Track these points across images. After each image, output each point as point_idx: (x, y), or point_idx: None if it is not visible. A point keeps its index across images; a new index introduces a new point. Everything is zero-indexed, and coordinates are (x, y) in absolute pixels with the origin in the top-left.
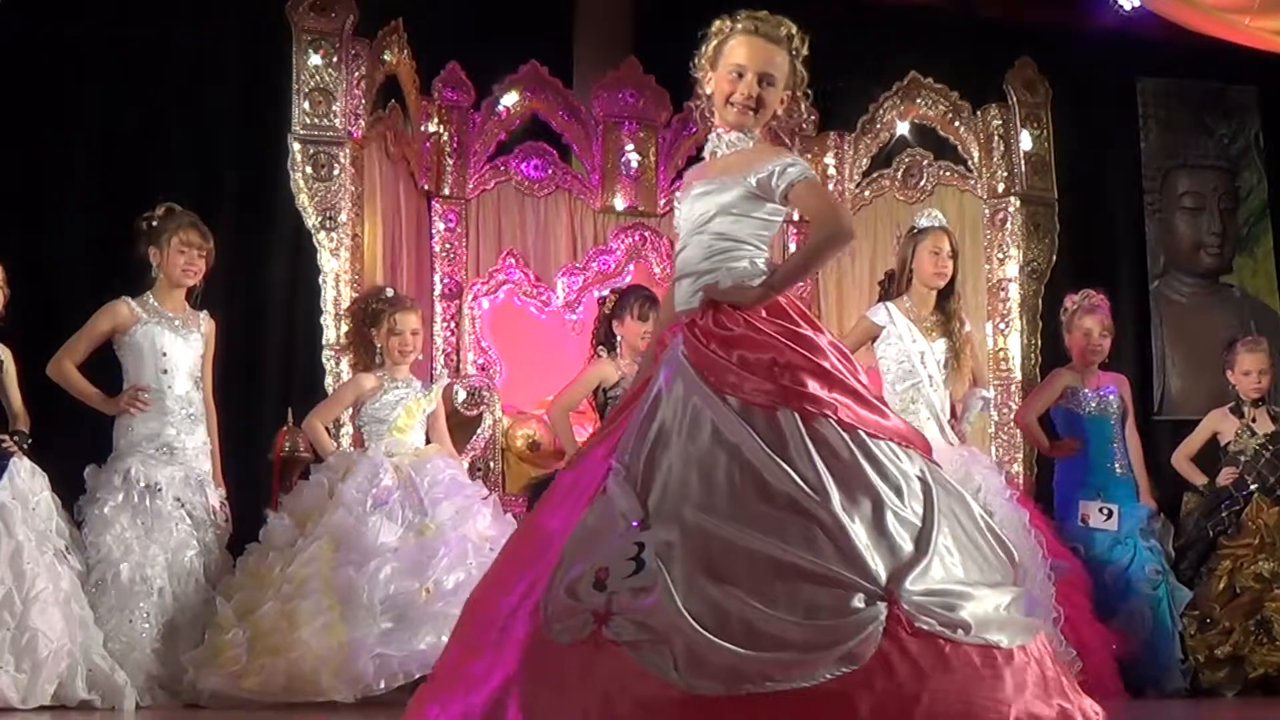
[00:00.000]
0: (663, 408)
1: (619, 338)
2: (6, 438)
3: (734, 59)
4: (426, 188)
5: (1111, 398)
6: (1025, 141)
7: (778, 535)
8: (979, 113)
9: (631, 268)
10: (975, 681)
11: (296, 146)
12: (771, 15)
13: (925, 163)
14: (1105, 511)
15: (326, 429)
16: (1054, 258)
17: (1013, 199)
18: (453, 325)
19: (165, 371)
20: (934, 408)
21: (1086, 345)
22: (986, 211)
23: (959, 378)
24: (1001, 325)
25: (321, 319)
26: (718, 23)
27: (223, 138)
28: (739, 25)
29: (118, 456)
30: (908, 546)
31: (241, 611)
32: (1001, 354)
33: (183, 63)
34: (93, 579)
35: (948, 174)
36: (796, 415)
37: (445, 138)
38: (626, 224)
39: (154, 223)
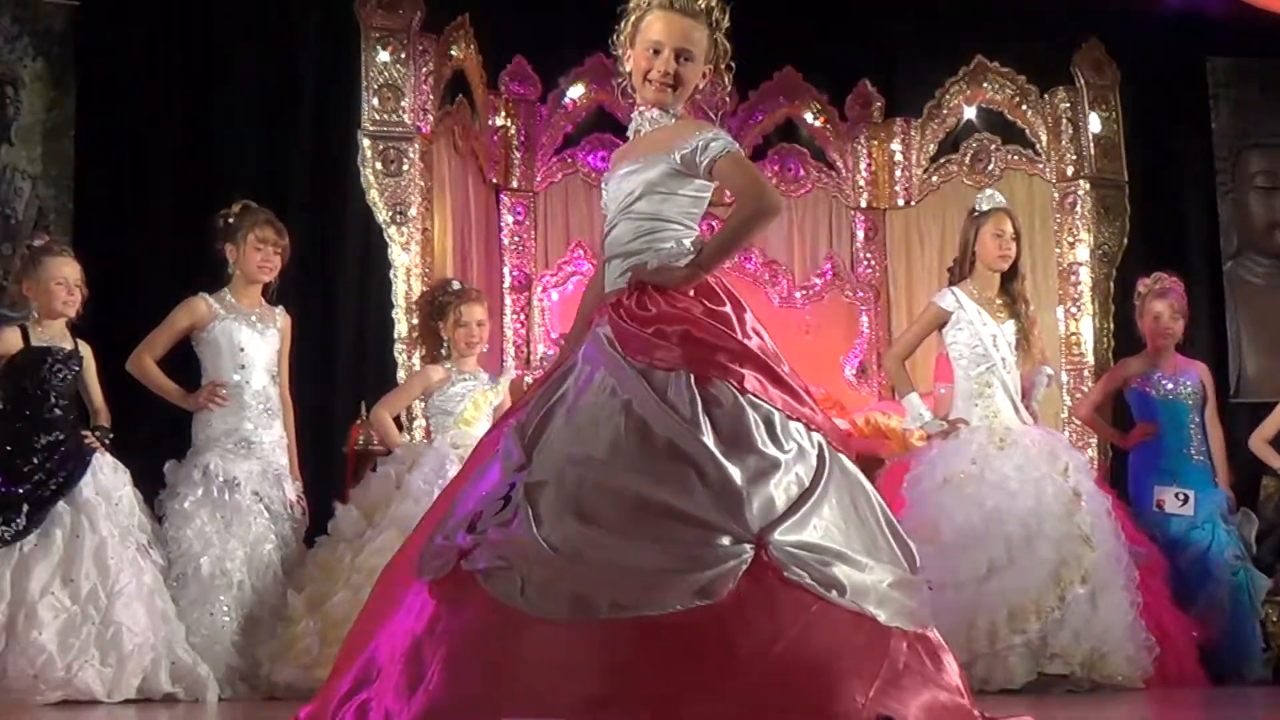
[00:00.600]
0: (569, 378)
1: None
2: (89, 434)
3: (650, 35)
4: (495, 181)
5: (1190, 384)
6: (1094, 124)
7: (650, 477)
8: (1046, 96)
9: None
10: (844, 645)
11: (366, 142)
12: None
13: (993, 147)
14: (1181, 497)
15: (397, 421)
16: (1125, 241)
17: (1082, 182)
18: (522, 317)
19: (243, 367)
20: (1008, 389)
21: (1156, 329)
22: (1056, 195)
23: (1029, 358)
24: (1073, 310)
25: (393, 313)
26: (638, 0)
27: (294, 135)
28: (655, 0)
29: (196, 451)
30: (787, 501)
31: (313, 603)
32: (1074, 339)
33: (255, 62)
34: (174, 573)
35: (1016, 158)
36: (692, 375)
37: (513, 131)
38: None
39: (230, 220)
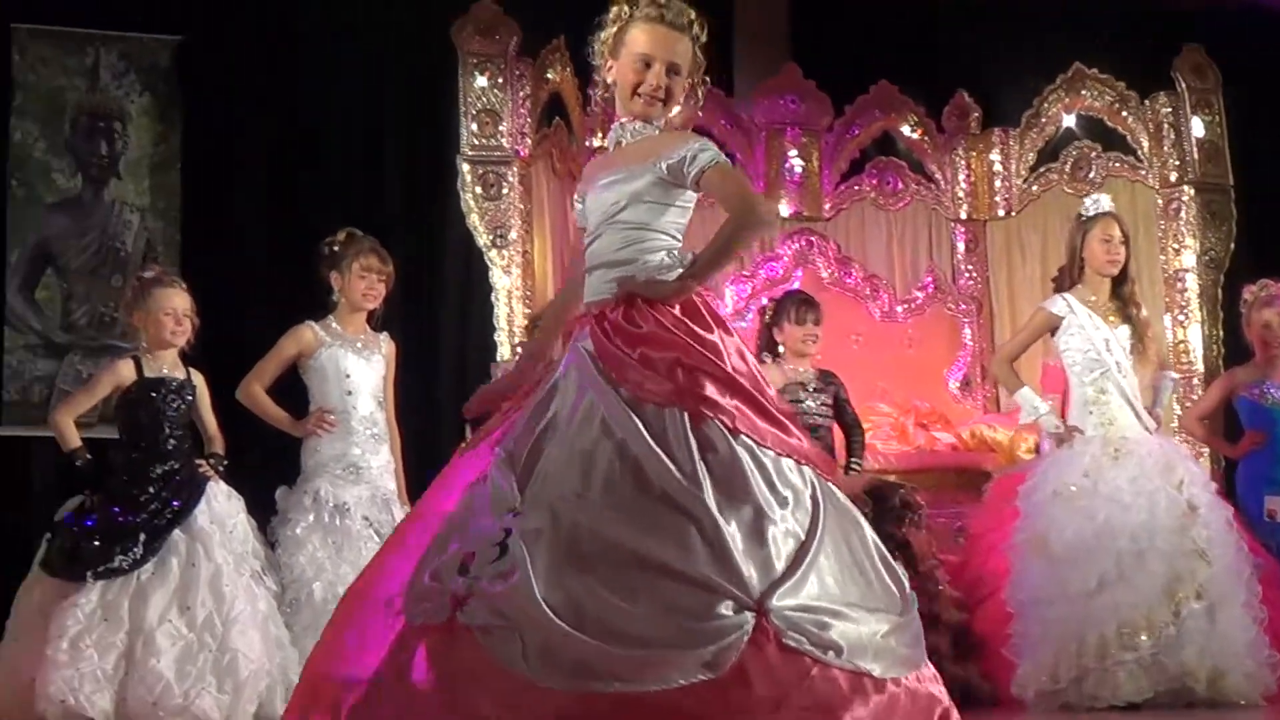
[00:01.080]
0: (557, 398)
1: (780, 343)
2: (203, 462)
3: (639, 47)
4: None
5: None
6: (1197, 128)
7: (649, 530)
8: (1147, 101)
9: (799, 273)
10: (838, 707)
11: (465, 167)
12: (674, 1)
13: (1093, 155)
14: None
15: None
16: (1233, 246)
17: (1186, 187)
18: None
19: (349, 393)
20: (1125, 394)
21: (1266, 337)
22: (1159, 201)
23: (1145, 362)
24: (1181, 317)
25: (495, 336)
26: (615, 8)
27: (394, 161)
28: (642, 11)
29: (306, 478)
30: (784, 558)
31: None
32: (1182, 346)
33: (353, 90)
34: (287, 599)
35: (1117, 165)
36: (686, 415)
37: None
38: (792, 229)
39: (335, 248)
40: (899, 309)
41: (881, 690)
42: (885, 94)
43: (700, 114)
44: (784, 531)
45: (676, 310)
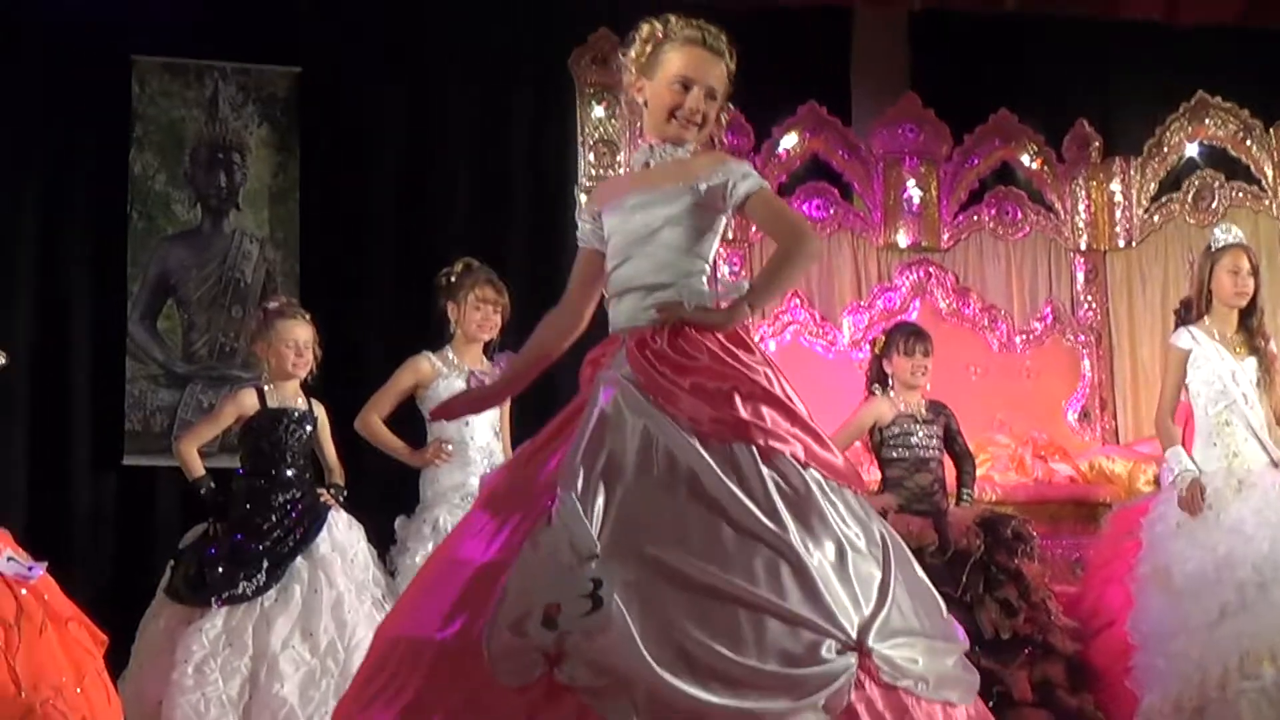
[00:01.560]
0: (610, 433)
1: (890, 375)
2: (324, 491)
3: (679, 70)
4: None
5: None
6: None
7: (743, 573)
8: (1272, 130)
9: (917, 303)
10: None
11: (583, 198)
12: (709, 24)
13: (1216, 184)
14: None
15: None
16: None
17: None
18: None
19: (467, 424)
20: (1252, 427)
21: None
22: None
23: (1272, 394)
24: None
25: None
26: (649, 26)
27: (510, 191)
28: (683, 33)
29: (425, 507)
30: (872, 593)
31: None
32: None
33: (471, 120)
34: None
35: (1240, 195)
36: (754, 449)
37: None
38: (911, 260)
39: (452, 279)
40: (1017, 340)
41: (962, 718)
42: (1004, 123)
43: (722, 140)
44: (864, 565)
45: (722, 338)
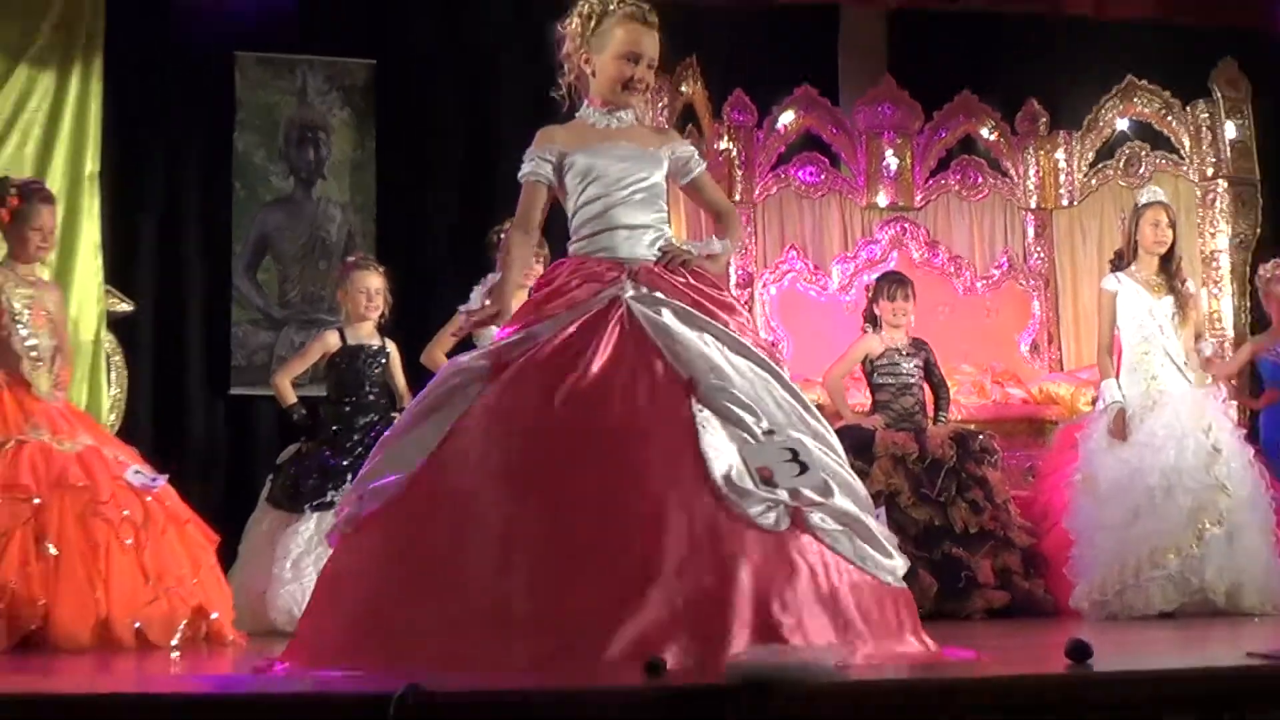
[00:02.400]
0: (683, 339)
1: (879, 316)
2: (397, 415)
3: (627, 44)
4: None
5: None
6: (1230, 131)
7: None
8: (1188, 108)
9: (895, 255)
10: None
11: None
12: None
13: (1143, 153)
14: None
15: None
16: (1259, 230)
17: (1220, 181)
18: (746, 308)
19: None
20: (1169, 354)
21: None
22: (1198, 193)
23: (1186, 327)
24: (1214, 291)
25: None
26: (590, 4)
27: None
28: (623, 10)
29: None
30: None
31: None
32: (1215, 315)
33: (523, 101)
34: None
35: (1163, 162)
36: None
37: (735, 153)
38: (889, 218)
39: (501, 235)
40: (979, 284)
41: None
42: (967, 102)
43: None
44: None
45: (705, 279)
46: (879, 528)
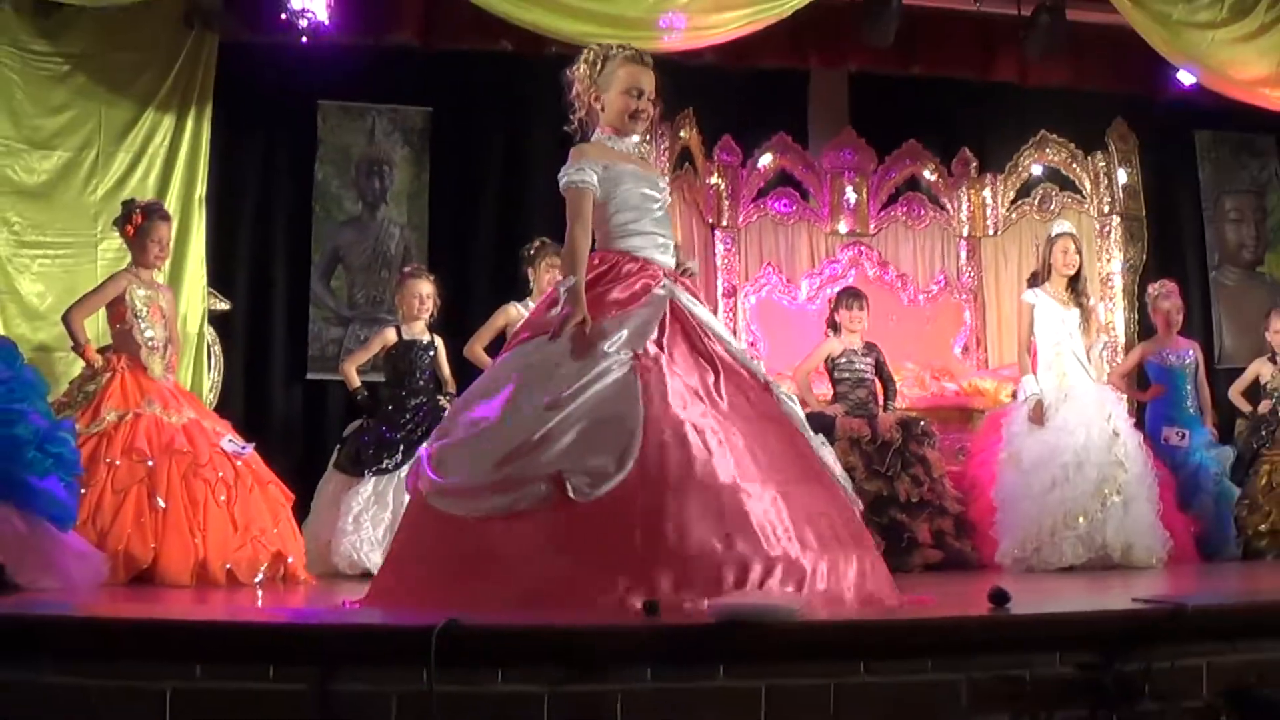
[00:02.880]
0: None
1: (840, 323)
2: (442, 398)
3: (630, 81)
4: (710, 222)
5: (1187, 357)
6: (1122, 177)
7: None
8: (1089, 157)
9: (853, 272)
10: None
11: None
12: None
13: (1053, 193)
14: (1180, 434)
15: None
16: (1144, 257)
17: (1114, 217)
18: (731, 315)
19: None
20: (1078, 355)
21: (1168, 320)
22: (1096, 226)
23: (1089, 334)
24: (1110, 306)
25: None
26: (592, 52)
27: None
28: (623, 54)
29: None
30: None
31: None
32: (1110, 326)
33: (551, 142)
34: None
35: (1069, 200)
36: None
37: (723, 187)
38: (848, 242)
39: (532, 251)
40: (920, 297)
41: None
42: (913, 149)
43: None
44: None
45: None
46: None
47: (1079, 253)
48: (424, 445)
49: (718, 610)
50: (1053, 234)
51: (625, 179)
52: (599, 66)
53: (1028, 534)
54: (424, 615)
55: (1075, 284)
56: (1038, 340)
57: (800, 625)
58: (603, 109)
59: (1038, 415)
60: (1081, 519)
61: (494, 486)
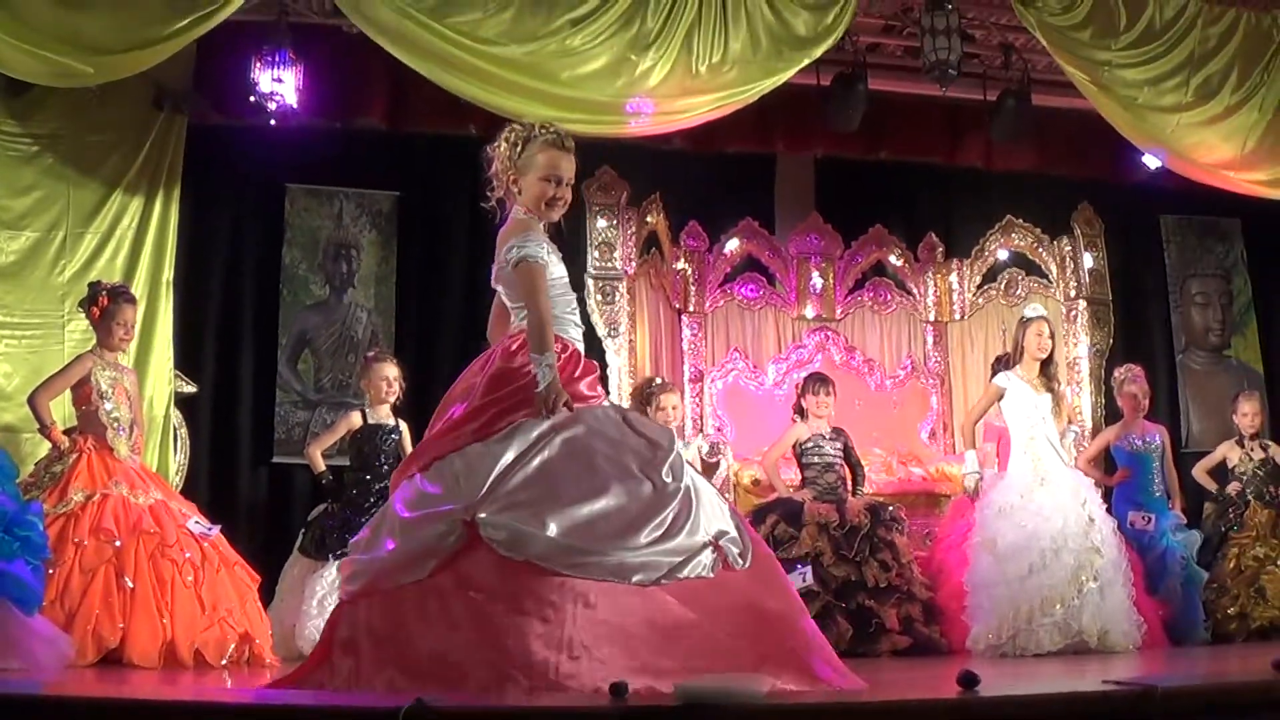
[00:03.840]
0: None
1: (806, 408)
2: None
3: (548, 168)
4: (678, 306)
5: (1154, 441)
6: (1088, 261)
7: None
8: (1055, 242)
9: (820, 357)
10: None
11: (590, 282)
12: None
13: (1020, 277)
14: (1146, 518)
15: None
16: (1111, 341)
17: (1081, 301)
18: (698, 400)
19: None
20: (1050, 440)
21: (1134, 405)
22: (1063, 309)
23: (1060, 419)
24: (1076, 389)
25: (609, 398)
26: (514, 133)
27: None
28: (545, 137)
29: None
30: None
31: None
32: (1076, 409)
33: None
34: None
35: (1036, 284)
36: None
37: (689, 272)
38: (815, 327)
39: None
40: (887, 383)
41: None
42: (879, 234)
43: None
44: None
45: None
46: None
47: (1053, 337)
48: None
49: (682, 693)
50: (1026, 317)
51: (555, 264)
52: (519, 148)
53: (1003, 620)
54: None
55: (1048, 369)
56: (1010, 425)
57: (768, 707)
58: (519, 192)
59: (976, 493)
60: (1059, 605)
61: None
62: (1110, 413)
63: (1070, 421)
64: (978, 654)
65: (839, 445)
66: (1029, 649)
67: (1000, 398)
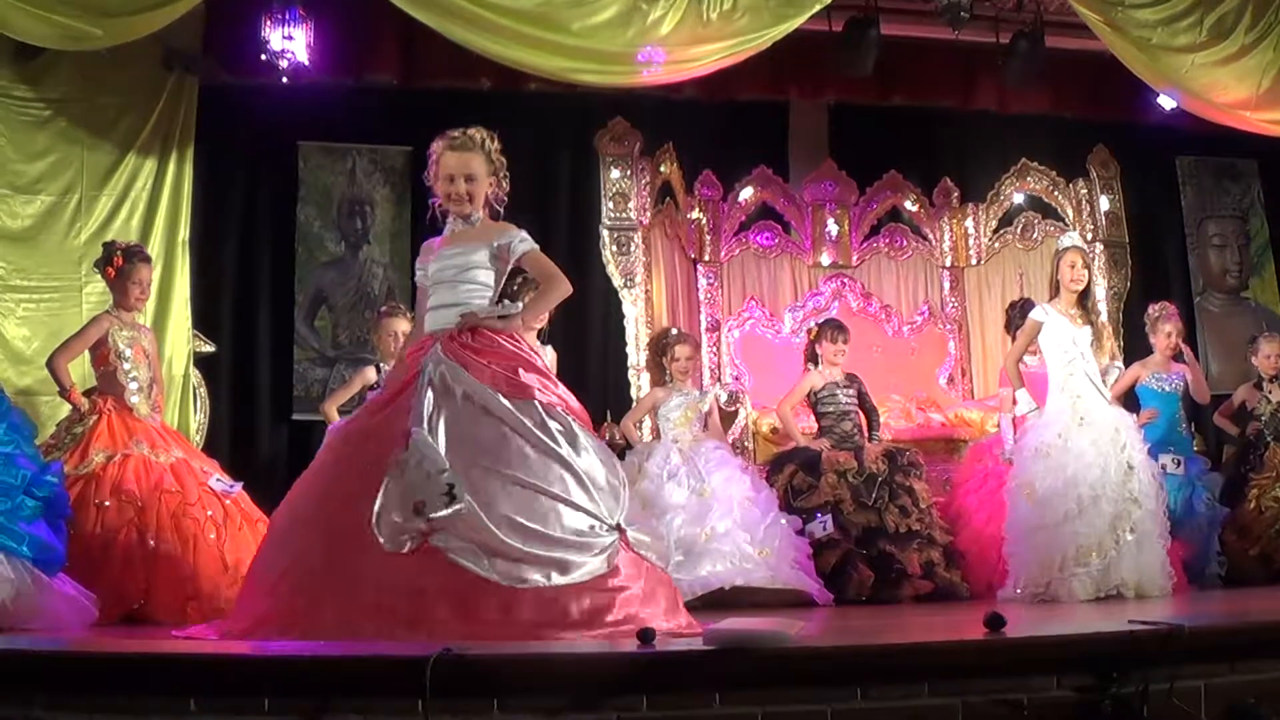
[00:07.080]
0: (439, 394)
1: (820, 356)
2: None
3: (444, 168)
4: (693, 256)
5: (1179, 381)
6: (1104, 204)
7: (544, 479)
8: (1071, 185)
9: (836, 304)
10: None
11: (605, 233)
12: (468, 130)
13: (1035, 221)
14: (1177, 461)
15: (638, 424)
16: (1129, 284)
17: (1098, 244)
18: (715, 350)
19: None
20: (1090, 376)
21: (1169, 344)
22: None
23: (1101, 354)
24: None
25: (626, 349)
26: (434, 145)
27: (556, 228)
28: (445, 141)
29: None
30: (623, 493)
31: None
32: (1120, 347)
33: (530, 178)
34: None
35: (1051, 228)
36: (537, 403)
37: (704, 221)
38: (830, 274)
39: (515, 287)
40: (905, 329)
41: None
42: (894, 180)
43: (503, 199)
44: (612, 473)
45: (503, 336)
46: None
47: (1087, 268)
48: None
49: (713, 637)
50: (1060, 248)
51: (432, 270)
52: (434, 157)
53: (1039, 569)
54: (422, 646)
55: (1085, 301)
56: (1048, 361)
57: (796, 651)
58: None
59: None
60: (1095, 556)
61: None
62: (1130, 355)
63: (1113, 359)
64: (1008, 599)
65: (853, 392)
66: (1062, 598)
67: (1038, 332)
